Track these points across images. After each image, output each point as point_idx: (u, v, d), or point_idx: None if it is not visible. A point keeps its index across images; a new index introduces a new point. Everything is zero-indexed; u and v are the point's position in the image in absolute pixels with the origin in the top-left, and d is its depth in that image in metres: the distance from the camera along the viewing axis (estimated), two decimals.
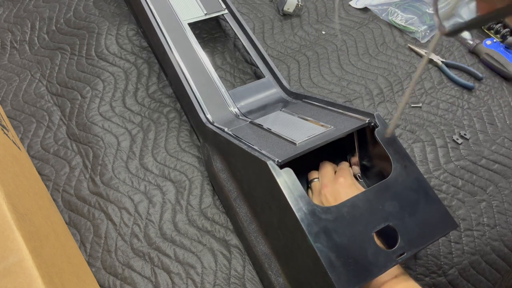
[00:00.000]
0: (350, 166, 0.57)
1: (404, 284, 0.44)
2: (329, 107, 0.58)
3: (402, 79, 0.80)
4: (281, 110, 0.61)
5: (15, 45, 0.79)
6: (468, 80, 0.82)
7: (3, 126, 0.60)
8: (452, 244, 0.62)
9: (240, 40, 0.72)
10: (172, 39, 0.67)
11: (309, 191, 0.55)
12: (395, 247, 0.43)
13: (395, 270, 0.45)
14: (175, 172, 0.64)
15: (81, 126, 0.68)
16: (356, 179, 0.56)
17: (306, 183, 0.57)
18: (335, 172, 0.55)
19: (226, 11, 0.74)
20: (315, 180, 0.54)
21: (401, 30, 0.89)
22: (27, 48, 0.79)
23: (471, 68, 0.83)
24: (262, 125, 0.56)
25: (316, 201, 0.51)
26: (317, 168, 0.57)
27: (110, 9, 0.83)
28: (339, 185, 0.50)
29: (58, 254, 0.46)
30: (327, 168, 0.54)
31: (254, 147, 0.49)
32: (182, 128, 0.69)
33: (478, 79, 0.83)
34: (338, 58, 0.82)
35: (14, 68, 0.76)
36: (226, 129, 0.57)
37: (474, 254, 0.61)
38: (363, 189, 0.49)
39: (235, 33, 0.73)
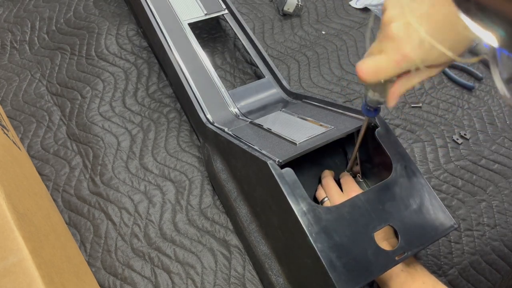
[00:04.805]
0: (350, 165, 0.57)
1: (420, 282, 0.44)
2: (329, 107, 0.58)
3: None
4: (281, 110, 0.61)
5: (15, 45, 0.79)
6: (468, 80, 0.82)
7: (3, 126, 0.60)
8: (452, 244, 0.61)
9: (240, 40, 0.72)
10: (172, 39, 0.67)
11: None
12: (396, 247, 0.43)
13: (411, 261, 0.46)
14: (175, 172, 0.64)
15: (81, 126, 0.68)
16: (354, 177, 0.56)
17: (315, 201, 0.57)
18: (335, 180, 0.55)
19: (226, 11, 0.74)
20: (326, 200, 0.54)
21: None
22: (27, 48, 0.79)
23: (471, 68, 0.83)
24: (262, 125, 0.56)
25: None
26: (317, 168, 0.57)
27: (110, 9, 0.83)
28: None
29: (58, 254, 0.46)
30: (332, 185, 0.54)
31: (255, 147, 0.49)
32: (182, 128, 0.69)
33: (478, 79, 0.83)
34: (338, 58, 0.82)
35: (14, 68, 0.76)
36: (226, 129, 0.57)
37: (474, 254, 0.61)
38: None
39: (235, 33, 0.73)
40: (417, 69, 0.35)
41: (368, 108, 0.43)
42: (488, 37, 0.22)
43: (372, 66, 0.36)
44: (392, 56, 0.34)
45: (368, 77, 0.36)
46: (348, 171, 0.57)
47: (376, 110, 0.43)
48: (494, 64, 0.26)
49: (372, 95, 0.41)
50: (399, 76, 0.37)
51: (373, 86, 0.40)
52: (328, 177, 0.55)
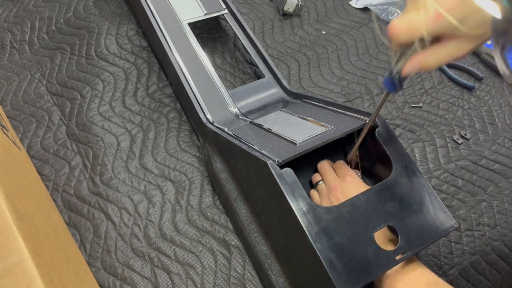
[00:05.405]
0: (349, 165, 0.56)
1: (413, 274, 0.44)
2: (329, 107, 0.58)
3: None
4: (281, 110, 0.61)
5: (15, 45, 0.79)
6: (468, 80, 0.82)
7: (3, 126, 0.60)
8: (452, 244, 0.61)
9: (240, 40, 0.72)
10: (172, 39, 0.67)
11: (314, 194, 0.55)
12: (396, 247, 0.43)
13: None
14: (175, 172, 0.64)
15: (81, 126, 0.68)
16: None
17: (310, 185, 0.57)
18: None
19: (226, 11, 0.74)
20: (320, 183, 0.54)
21: None
22: (27, 48, 0.79)
23: (471, 68, 0.83)
24: (262, 125, 0.56)
25: (325, 203, 0.51)
26: (316, 168, 0.57)
27: (110, 9, 0.83)
28: (348, 184, 0.50)
29: (58, 254, 0.46)
30: (328, 169, 0.54)
31: (254, 147, 0.49)
32: (182, 128, 0.69)
33: (478, 79, 0.83)
34: (338, 58, 0.82)
35: (14, 68, 0.76)
36: (226, 129, 0.57)
37: (475, 254, 0.61)
38: (369, 186, 0.49)
39: (235, 33, 0.73)
40: (451, 36, 0.32)
41: (392, 80, 0.39)
42: (492, 7, 0.21)
43: (406, 22, 0.33)
44: (431, 12, 0.31)
45: (401, 33, 0.34)
46: None
47: (401, 82, 0.39)
48: (496, 42, 0.26)
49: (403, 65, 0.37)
50: (431, 43, 0.34)
51: (406, 54, 0.36)
52: (324, 162, 0.55)
